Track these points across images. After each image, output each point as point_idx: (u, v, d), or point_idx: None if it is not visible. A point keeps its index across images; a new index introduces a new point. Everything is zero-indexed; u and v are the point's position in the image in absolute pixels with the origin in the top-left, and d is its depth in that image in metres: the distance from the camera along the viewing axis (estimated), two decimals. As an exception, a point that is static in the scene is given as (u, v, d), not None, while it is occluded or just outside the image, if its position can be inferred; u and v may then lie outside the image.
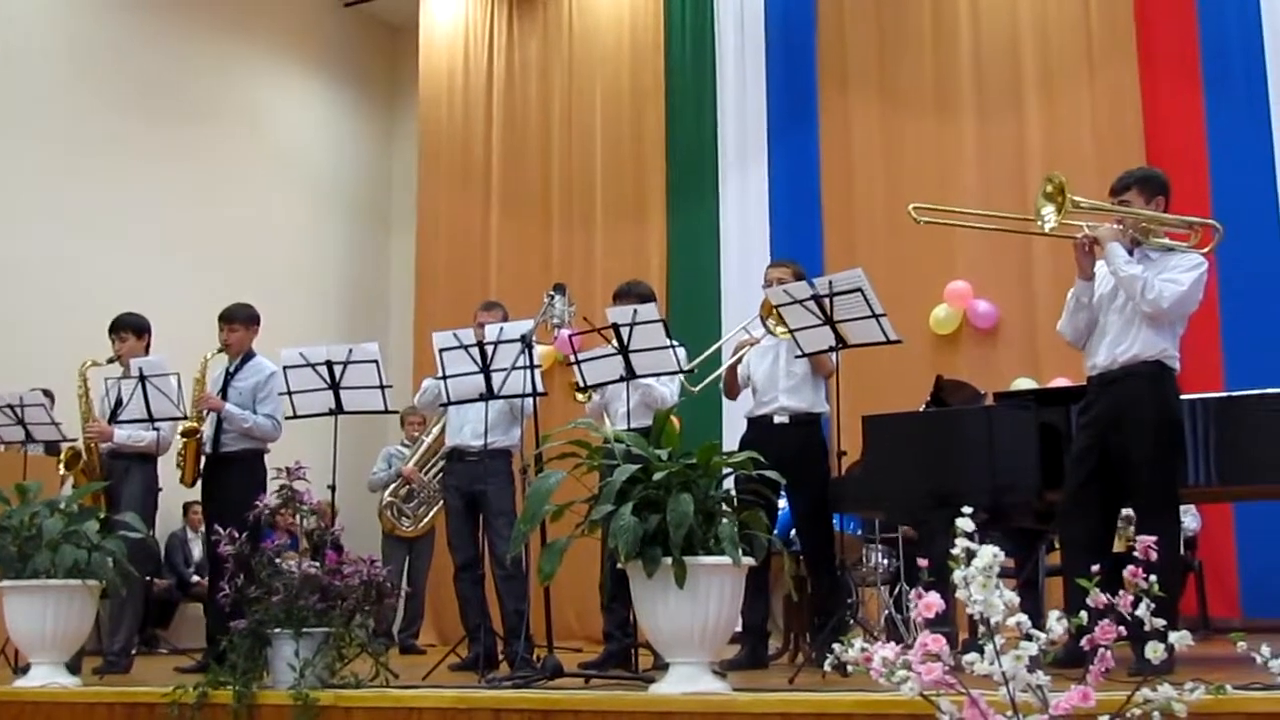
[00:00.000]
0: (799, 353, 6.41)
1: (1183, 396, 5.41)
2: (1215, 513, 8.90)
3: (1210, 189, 9.30)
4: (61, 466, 7.40)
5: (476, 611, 7.27)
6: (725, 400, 8.43)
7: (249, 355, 7.64)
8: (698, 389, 6.87)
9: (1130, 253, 5.28)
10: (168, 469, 7.59)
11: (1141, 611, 2.94)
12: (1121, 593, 2.97)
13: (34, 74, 10.39)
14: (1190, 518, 8.37)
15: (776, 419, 6.62)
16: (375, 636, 5.73)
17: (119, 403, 7.30)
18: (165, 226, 11.22)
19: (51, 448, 7.92)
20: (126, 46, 11.18)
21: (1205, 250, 5.35)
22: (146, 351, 7.55)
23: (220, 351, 7.61)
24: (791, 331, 6.29)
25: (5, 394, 7.48)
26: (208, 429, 7.49)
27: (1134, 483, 5.20)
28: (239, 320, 7.61)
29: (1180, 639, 2.94)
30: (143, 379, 7.05)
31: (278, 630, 5.17)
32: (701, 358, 7.02)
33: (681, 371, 6.39)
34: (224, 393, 7.49)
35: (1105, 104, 9.89)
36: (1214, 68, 9.63)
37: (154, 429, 7.19)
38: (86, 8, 10.96)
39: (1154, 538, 3.09)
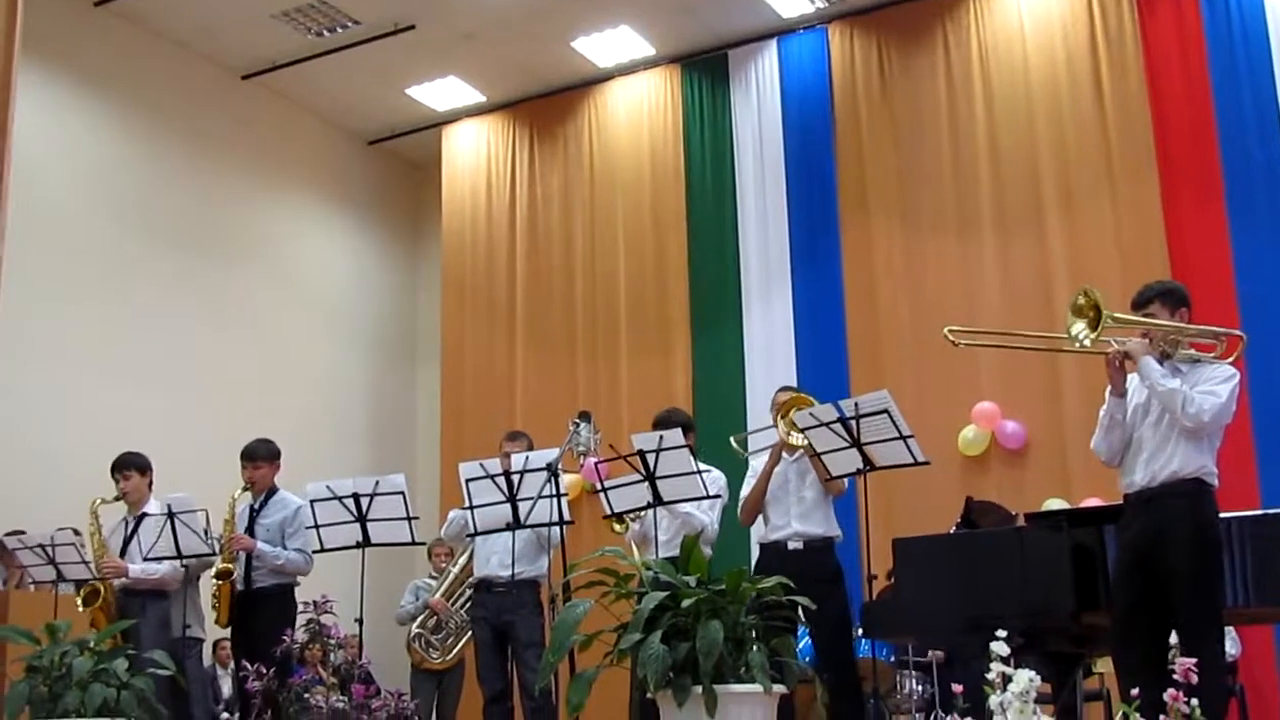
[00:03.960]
0: (828, 475, 6.38)
1: (1228, 515, 5.34)
2: (1255, 635, 8.73)
3: (1237, 303, 9.28)
4: (80, 603, 7.39)
5: (506, 744, 7.18)
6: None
7: (273, 491, 7.67)
8: (750, 453, 6.92)
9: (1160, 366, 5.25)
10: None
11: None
12: (1163, 718, 2.92)
13: (61, 214, 10.54)
14: (1230, 642, 8.19)
15: (790, 545, 6.58)
16: (404, 772, 5.66)
17: (128, 540, 7.34)
18: (191, 363, 11.31)
19: (81, 587, 7.92)
20: (153, 186, 11.37)
21: (1232, 359, 5.31)
22: (150, 488, 7.67)
23: (245, 490, 7.63)
24: (818, 454, 6.27)
25: (36, 535, 7.53)
26: (239, 568, 7.49)
27: (1177, 603, 5.11)
28: (261, 457, 7.66)
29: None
30: (171, 516, 7.09)
31: (305, 768, 5.10)
32: (762, 428, 7.02)
33: (708, 497, 6.37)
34: (250, 530, 7.51)
35: (1128, 221, 9.93)
36: (1236, 182, 9.67)
37: (182, 565, 7.20)
38: (114, 148, 11.17)
39: (1194, 660, 3.03)
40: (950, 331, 6.01)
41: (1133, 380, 5.36)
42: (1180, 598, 5.08)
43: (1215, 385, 5.15)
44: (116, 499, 7.66)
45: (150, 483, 7.73)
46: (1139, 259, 9.61)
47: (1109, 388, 5.39)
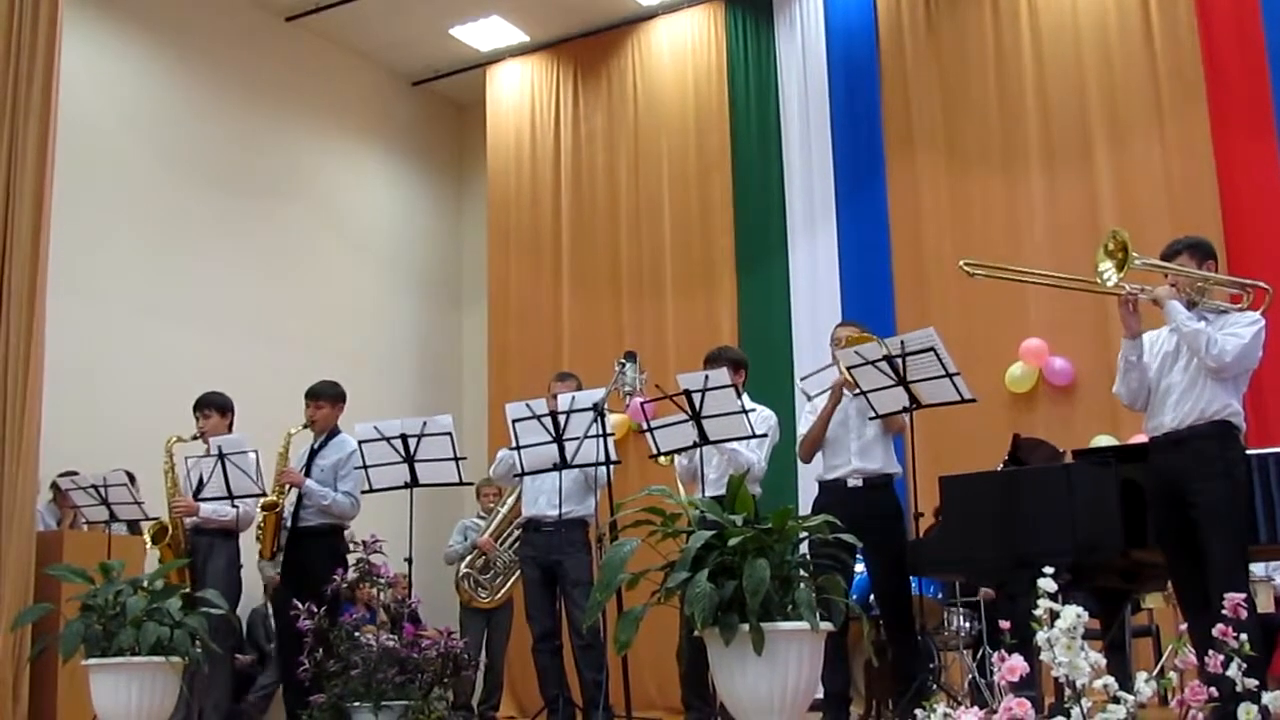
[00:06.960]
0: (871, 414, 6.38)
1: (1257, 451, 5.38)
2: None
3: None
4: (149, 540, 7.50)
5: (555, 682, 7.26)
6: (800, 464, 8.39)
7: (334, 432, 7.71)
8: (814, 394, 6.89)
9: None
10: (250, 545, 7.67)
11: (1232, 672, 2.88)
12: (1211, 653, 2.91)
13: (111, 157, 10.58)
14: (1281, 577, 8.17)
15: (850, 482, 6.58)
16: (454, 709, 5.74)
17: (202, 481, 7.41)
18: (238, 305, 11.37)
19: (134, 527, 8.03)
20: (200, 129, 11.39)
21: (1260, 311, 5.41)
22: (230, 429, 7.68)
23: (305, 427, 7.68)
24: (865, 392, 6.27)
25: (90, 475, 7.63)
26: (288, 504, 7.56)
27: (1203, 541, 5.16)
28: (325, 397, 7.70)
29: (1274, 700, 2.87)
30: (222, 457, 7.15)
31: (357, 704, 5.18)
32: (820, 369, 7.00)
33: (754, 436, 6.37)
34: (308, 469, 7.55)
35: (1176, 154, 9.77)
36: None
37: (234, 505, 7.28)
38: (160, 91, 11.18)
39: (1243, 595, 3.03)
40: (966, 264, 6.01)
41: (1161, 332, 5.47)
42: (1206, 536, 5.15)
43: (1240, 329, 5.28)
44: (194, 438, 7.69)
45: (230, 424, 7.75)
46: (1188, 193, 9.48)
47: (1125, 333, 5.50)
